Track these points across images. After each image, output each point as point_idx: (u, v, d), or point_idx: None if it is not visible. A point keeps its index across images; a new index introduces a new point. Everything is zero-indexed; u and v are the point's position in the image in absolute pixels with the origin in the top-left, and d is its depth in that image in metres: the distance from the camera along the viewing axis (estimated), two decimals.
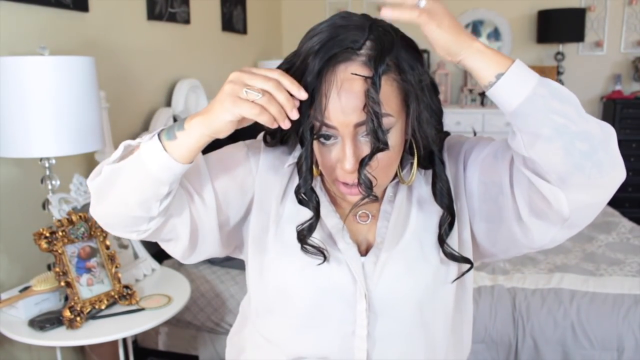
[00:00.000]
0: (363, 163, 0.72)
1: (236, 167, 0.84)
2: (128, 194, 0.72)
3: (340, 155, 0.74)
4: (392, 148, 0.74)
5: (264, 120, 0.68)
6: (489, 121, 4.08)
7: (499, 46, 4.44)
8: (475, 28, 4.48)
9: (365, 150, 0.73)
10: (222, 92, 0.68)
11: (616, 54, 4.27)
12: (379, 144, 0.71)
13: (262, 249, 0.84)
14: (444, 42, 0.69)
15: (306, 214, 0.82)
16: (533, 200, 0.72)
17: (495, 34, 4.45)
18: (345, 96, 0.71)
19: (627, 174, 0.69)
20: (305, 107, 0.72)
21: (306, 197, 0.80)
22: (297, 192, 0.81)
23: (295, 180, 0.83)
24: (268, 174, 0.84)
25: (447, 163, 0.84)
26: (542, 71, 4.20)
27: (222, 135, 0.70)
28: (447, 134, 0.88)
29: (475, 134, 3.98)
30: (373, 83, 0.69)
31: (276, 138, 0.85)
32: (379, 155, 0.73)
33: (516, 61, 0.68)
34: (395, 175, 0.82)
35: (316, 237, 0.81)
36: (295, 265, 0.81)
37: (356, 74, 0.70)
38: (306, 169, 0.78)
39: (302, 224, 0.81)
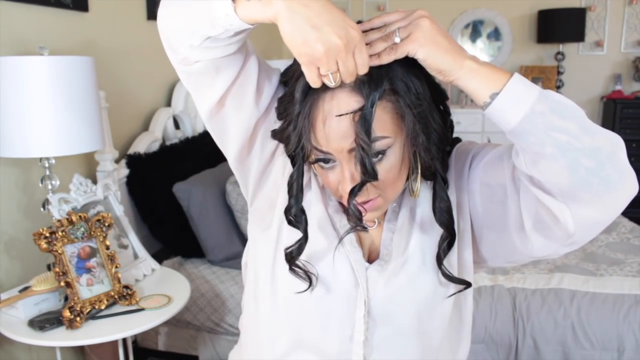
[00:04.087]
0: (352, 193, 0.70)
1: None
2: (187, 10, 0.67)
3: (340, 177, 0.73)
4: (394, 165, 0.72)
5: (307, 77, 0.64)
6: (489, 121, 4.05)
7: (499, 46, 4.44)
8: (475, 28, 4.48)
9: None
10: (343, 35, 0.60)
11: (616, 54, 4.27)
12: (367, 177, 0.68)
13: (280, 223, 0.83)
14: (431, 62, 0.66)
15: (318, 208, 0.82)
16: (539, 214, 0.69)
17: (496, 34, 4.45)
18: (332, 125, 0.68)
19: None
20: (291, 130, 0.70)
21: (296, 218, 0.77)
22: (286, 212, 0.78)
23: (313, 179, 0.83)
24: None
25: (453, 172, 0.82)
26: (542, 71, 4.22)
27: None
28: (458, 140, 0.86)
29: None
30: (362, 115, 0.66)
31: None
32: (382, 174, 0.71)
33: (514, 76, 0.65)
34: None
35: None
36: (307, 251, 0.80)
37: (341, 114, 0.67)
38: (297, 189, 0.76)
39: (291, 246, 0.79)
